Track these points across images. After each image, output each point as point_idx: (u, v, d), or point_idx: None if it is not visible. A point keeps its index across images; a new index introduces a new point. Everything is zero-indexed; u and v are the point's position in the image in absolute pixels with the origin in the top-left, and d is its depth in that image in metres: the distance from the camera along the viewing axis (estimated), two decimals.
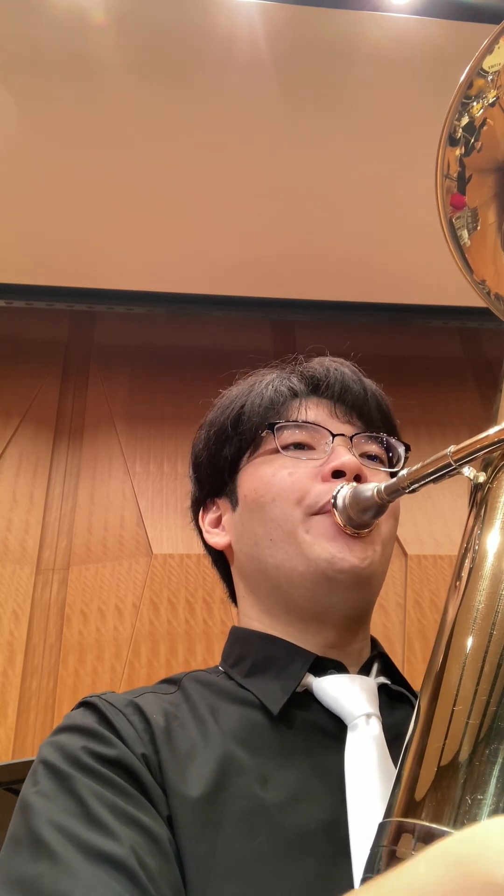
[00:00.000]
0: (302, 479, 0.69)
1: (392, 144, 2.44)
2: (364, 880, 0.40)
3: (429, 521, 2.90)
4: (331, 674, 0.65)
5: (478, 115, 0.68)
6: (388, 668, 0.71)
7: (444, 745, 0.41)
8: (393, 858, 0.38)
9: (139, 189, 2.60)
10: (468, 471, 0.54)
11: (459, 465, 0.54)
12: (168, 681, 0.68)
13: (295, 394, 0.76)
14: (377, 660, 0.71)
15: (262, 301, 3.23)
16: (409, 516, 2.87)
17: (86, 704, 0.60)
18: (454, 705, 0.42)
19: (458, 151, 0.69)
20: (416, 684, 0.56)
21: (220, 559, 0.82)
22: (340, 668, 0.66)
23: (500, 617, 0.44)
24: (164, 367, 3.23)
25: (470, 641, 0.45)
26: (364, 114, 2.36)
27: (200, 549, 0.84)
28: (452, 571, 0.52)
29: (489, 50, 0.66)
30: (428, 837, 0.37)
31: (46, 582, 2.62)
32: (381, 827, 0.41)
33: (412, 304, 3.32)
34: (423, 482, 0.57)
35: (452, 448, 0.54)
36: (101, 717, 0.57)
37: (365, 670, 0.69)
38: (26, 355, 3.18)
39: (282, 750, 0.58)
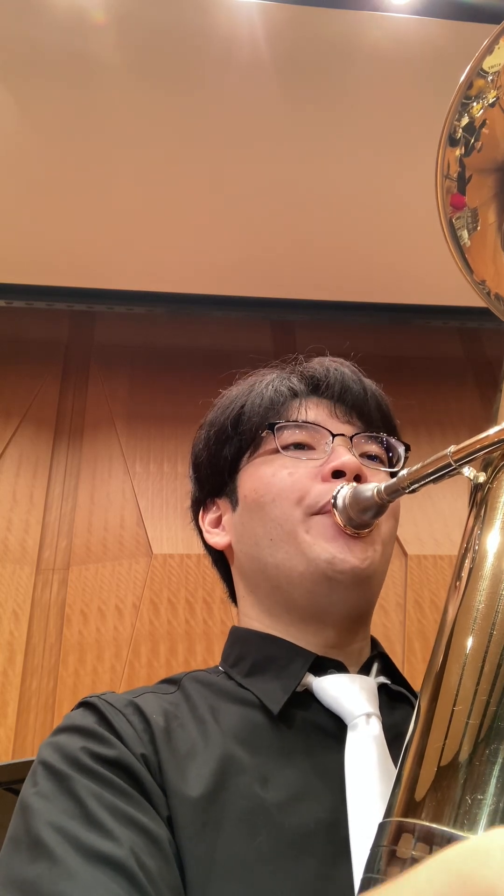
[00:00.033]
0: (302, 479, 0.69)
1: (392, 144, 2.44)
2: (364, 880, 0.40)
3: (429, 521, 2.90)
4: (331, 673, 0.65)
5: (478, 115, 0.68)
6: (388, 668, 0.71)
7: (444, 745, 0.41)
8: (393, 858, 0.38)
9: (139, 189, 2.60)
10: (468, 471, 0.54)
11: (459, 465, 0.54)
12: (168, 681, 0.68)
13: (295, 394, 0.76)
14: (377, 660, 0.71)
15: (262, 301, 3.23)
16: (409, 516, 2.87)
17: (85, 705, 0.60)
18: (454, 705, 0.42)
19: (458, 152, 0.69)
20: (416, 684, 0.56)
21: (221, 559, 0.82)
22: (340, 668, 0.66)
23: (500, 617, 0.44)
24: (164, 367, 3.23)
25: (470, 641, 0.45)
26: (364, 114, 2.36)
27: (200, 549, 0.84)
28: (452, 571, 0.52)
29: (489, 50, 0.66)
30: (428, 837, 0.37)
31: (46, 582, 2.62)
32: (381, 827, 0.41)
33: (412, 304, 3.32)
34: (423, 482, 0.57)
35: (452, 448, 0.54)
36: (100, 718, 0.57)
37: (365, 670, 0.69)
38: (26, 355, 3.18)
39: (282, 750, 0.58)
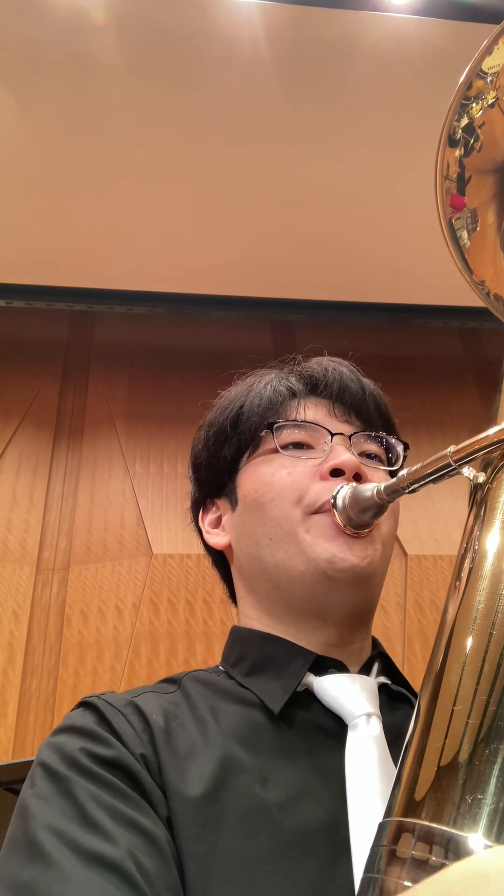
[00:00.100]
0: (301, 478, 0.69)
1: (392, 144, 2.44)
2: (364, 880, 0.40)
3: (429, 521, 2.90)
4: (331, 673, 0.65)
5: (477, 116, 0.68)
6: (389, 668, 0.71)
7: (443, 744, 0.41)
8: (393, 858, 0.38)
9: (139, 189, 2.60)
10: (468, 471, 0.54)
11: (459, 465, 0.54)
12: (168, 680, 0.68)
13: (293, 394, 0.76)
14: (378, 659, 0.71)
15: (262, 301, 3.23)
16: (409, 516, 2.87)
17: (85, 705, 0.60)
18: (454, 705, 0.42)
19: (458, 152, 0.69)
20: (416, 684, 0.56)
21: (221, 559, 0.82)
22: (341, 668, 0.66)
23: (500, 617, 0.44)
24: (164, 367, 3.23)
25: (470, 641, 0.45)
26: (364, 114, 2.36)
27: (200, 549, 0.84)
28: (452, 571, 0.52)
29: (488, 51, 0.66)
30: (428, 837, 0.37)
31: (46, 582, 2.62)
32: (381, 827, 0.41)
33: (412, 304, 3.32)
34: (422, 482, 0.57)
35: (452, 448, 0.54)
36: (100, 718, 0.57)
37: (365, 670, 0.69)
38: (26, 355, 3.18)
39: (282, 749, 0.58)
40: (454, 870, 0.32)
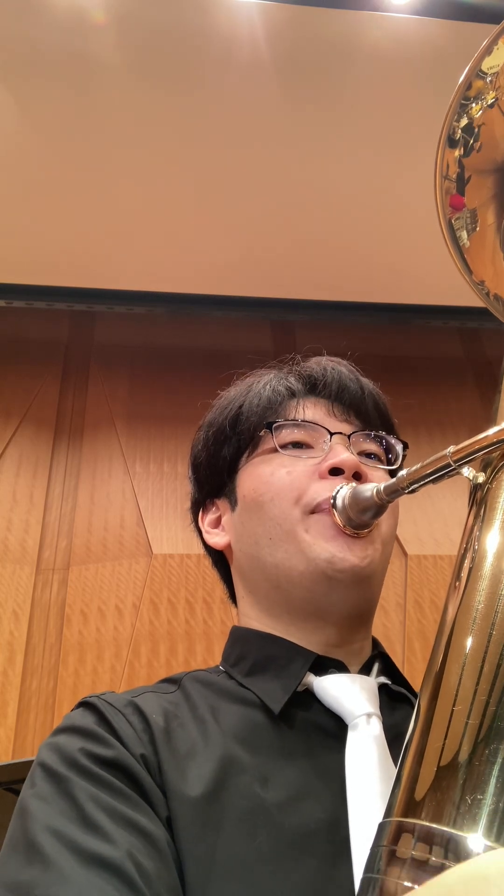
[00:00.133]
0: (300, 477, 0.69)
1: (392, 144, 2.44)
2: (363, 880, 0.40)
3: (429, 521, 2.90)
4: (331, 673, 0.65)
5: (477, 116, 0.68)
6: (389, 669, 0.71)
7: (443, 744, 0.41)
8: (393, 858, 0.38)
9: (139, 189, 2.60)
10: (467, 471, 0.54)
11: (458, 465, 0.54)
12: (168, 680, 0.68)
13: (292, 393, 0.76)
14: (378, 660, 0.71)
15: (262, 301, 3.23)
16: (409, 516, 2.87)
17: (85, 705, 0.60)
18: (454, 705, 0.42)
19: (457, 153, 0.69)
20: (416, 684, 0.56)
21: (220, 560, 0.82)
22: (341, 668, 0.66)
23: (500, 617, 0.44)
24: (164, 367, 3.23)
25: (469, 641, 0.45)
26: (364, 114, 2.36)
27: (200, 549, 0.84)
28: (452, 571, 0.52)
29: (488, 51, 0.66)
30: (428, 837, 0.37)
31: (46, 582, 2.62)
32: (381, 827, 0.41)
33: (412, 304, 3.32)
34: (422, 483, 0.57)
35: (452, 448, 0.54)
36: (100, 718, 0.57)
37: (366, 670, 0.69)
38: (26, 355, 3.19)
39: (282, 749, 0.58)
40: (455, 872, 0.32)
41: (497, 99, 0.67)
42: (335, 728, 0.60)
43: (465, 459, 0.54)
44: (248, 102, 2.31)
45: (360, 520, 0.64)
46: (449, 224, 0.72)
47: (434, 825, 0.37)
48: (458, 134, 0.69)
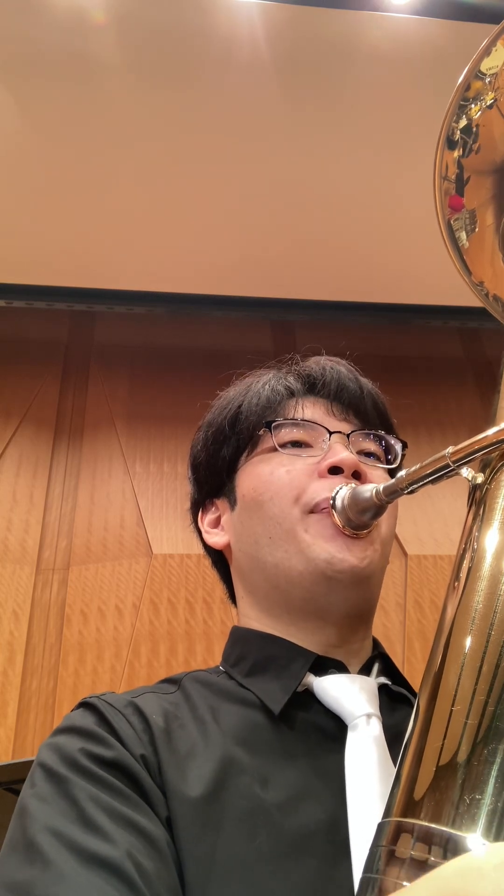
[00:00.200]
0: (299, 476, 0.69)
1: (392, 144, 2.44)
2: (363, 880, 0.40)
3: (429, 521, 2.90)
4: (331, 673, 0.65)
5: (476, 117, 0.68)
6: (389, 669, 0.71)
7: (442, 745, 0.41)
8: (392, 858, 0.38)
9: (139, 189, 2.60)
10: (466, 472, 0.54)
11: (458, 466, 0.54)
12: (168, 680, 0.68)
13: (292, 393, 0.76)
14: (378, 660, 0.71)
15: (262, 301, 3.23)
16: (409, 516, 2.87)
17: (85, 705, 0.60)
18: (453, 705, 0.43)
19: (457, 153, 0.69)
20: (415, 684, 0.56)
21: (220, 560, 0.82)
22: (341, 668, 0.66)
23: (499, 617, 0.44)
24: (164, 367, 3.23)
25: (468, 641, 0.45)
26: (364, 114, 2.36)
27: (200, 549, 0.84)
28: (451, 571, 0.52)
29: (487, 52, 0.66)
30: (427, 837, 0.37)
31: (46, 582, 2.62)
32: (380, 827, 0.41)
33: (412, 304, 3.32)
34: (421, 483, 0.57)
35: (451, 449, 0.54)
36: (100, 718, 0.57)
37: (366, 670, 0.69)
38: (26, 355, 3.19)
39: (282, 750, 0.58)
40: (450, 865, 0.32)
41: (496, 100, 0.67)
42: (335, 728, 0.60)
43: (464, 460, 0.54)
44: (248, 102, 2.31)
45: (360, 520, 0.64)
46: (448, 225, 0.72)
47: (433, 825, 0.38)
48: (457, 135, 0.69)
